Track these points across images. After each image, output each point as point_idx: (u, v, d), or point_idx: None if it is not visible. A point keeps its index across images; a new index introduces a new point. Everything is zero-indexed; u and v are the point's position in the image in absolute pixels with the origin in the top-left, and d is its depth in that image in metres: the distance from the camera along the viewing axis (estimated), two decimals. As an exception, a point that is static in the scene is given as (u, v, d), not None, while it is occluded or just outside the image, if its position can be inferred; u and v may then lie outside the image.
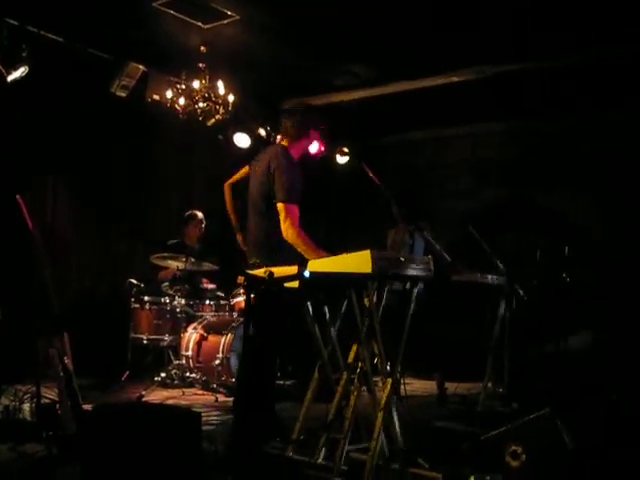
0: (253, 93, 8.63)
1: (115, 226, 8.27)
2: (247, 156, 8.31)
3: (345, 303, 4.28)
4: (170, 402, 6.50)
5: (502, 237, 7.53)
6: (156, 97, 8.15)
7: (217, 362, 6.84)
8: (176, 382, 7.16)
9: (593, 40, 7.01)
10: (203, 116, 7.90)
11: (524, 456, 3.99)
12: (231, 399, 6.24)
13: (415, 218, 7.01)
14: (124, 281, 7.53)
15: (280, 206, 4.63)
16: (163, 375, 7.09)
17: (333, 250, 4.24)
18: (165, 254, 7.34)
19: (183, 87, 7.84)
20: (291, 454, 4.25)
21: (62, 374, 4.40)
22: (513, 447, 4.03)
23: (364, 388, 4.09)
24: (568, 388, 6.04)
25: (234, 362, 6.84)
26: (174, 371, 7.21)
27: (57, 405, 4.49)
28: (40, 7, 6.74)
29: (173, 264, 7.34)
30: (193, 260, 7.21)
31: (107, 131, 8.05)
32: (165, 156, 8.86)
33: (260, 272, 3.86)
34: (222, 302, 7.84)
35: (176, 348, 7.37)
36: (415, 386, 7.85)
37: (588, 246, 8.10)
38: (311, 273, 3.78)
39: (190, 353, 7.18)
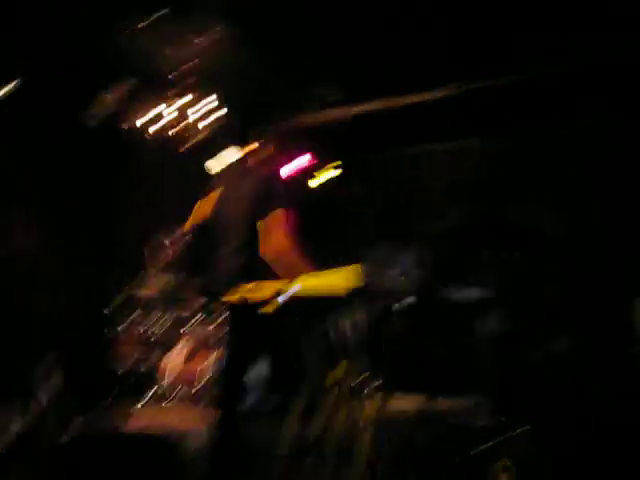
0: (235, 112, 8.61)
1: (86, 252, 8.14)
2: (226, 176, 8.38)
3: (331, 318, 4.27)
4: (153, 424, 6.43)
5: (479, 253, 7.53)
6: (130, 121, 8.10)
7: (201, 384, 6.79)
8: (162, 404, 7.10)
9: (567, 51, 7.06)
10: (184, 133, 7.88)
11: (513, 470, 3.97)
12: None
13: (398, 236, 7.04)
14: (103, 303, 7.47)
15: (270, 219, 4.59)
16: (149, 394, 7.02)
17: (319, 267, 4.23)
18: (143, 280, 7.30)
19: (158, 110, 7.81)
20: (276, 471, 4.21)
21: (50, 392, 4.37)
22: (503, 461, 4.02)
23: (351, 404, 4.08)
24: (554, 400, 6.03)
25: (219, 381, 6.78)
26: (158, 392, 7.15)
27: (45, 424, 4.45)
28: (23, 22, 6.68)
29: (151, 291, 7.30)
30: (173, 283, 7.18)
31: (82, 151, 7.93)
32: (140, 177, 8.76)
33: (234, 298, 3.86)
34: (206, 320, 7.78)
35: (159, 371, 7.30)
36: (402, 402, 7.81)
37: (564, 259, 8.13)
38: (284, 299, 3.79)
39: (174, 374, 7.12)
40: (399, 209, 9.07)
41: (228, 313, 4.42)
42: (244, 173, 4.97)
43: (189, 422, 6.50)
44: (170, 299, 7.68)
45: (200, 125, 7.77)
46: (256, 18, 6.66)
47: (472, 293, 6.24)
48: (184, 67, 7.58)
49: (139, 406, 6.77)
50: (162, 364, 7.24)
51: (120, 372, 7.21)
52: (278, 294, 3.74)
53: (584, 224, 8.47)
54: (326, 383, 4.25)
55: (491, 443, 4.13)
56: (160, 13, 6.46)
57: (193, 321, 7.91)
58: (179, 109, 7.69)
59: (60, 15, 6.47)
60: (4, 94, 5.67)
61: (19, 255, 7.37)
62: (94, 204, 8.25)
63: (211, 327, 7.61)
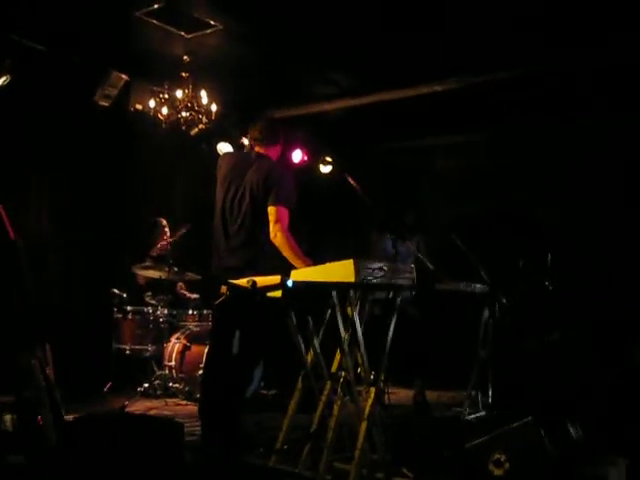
0: (236, 102, 8.61)
1: (95, 234, 8.19)
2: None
3: (329, 312, 4.28)
4: (153, 413, 6.47)
5: (485, 245, 7.53)
6: (139, 106, 8.14)
7: (200, 372, 6.80)
8: (159, 392, 7.13)
9: (576, 45, 7.05)
10: (186, 125, 7.89)
11: (507, 464, 3.99)
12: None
13: (401, 227, 7.05)
14: (106, 291, 7.50)
15: (272, 209, 4.56)
16: (146, 386, 7.06)
17: (316, 259, 4.24)
18: (147, 264, 7.31)
19: (166, 96, 7.82)
20: (274, 464, 4.23)
21: (44, 385, 4.36)
22: (497, 455, 4.04)
23: (347, 397, 4.09)
24: (552, 395, 6.05)
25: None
26: (157, 381, 7.18)
27: (39, 416, 4.45)
28: (22, 16, 6.71)
29: (155, 274, 7.32)
30: (176, 269, 7.19)
31: (90, 140, 8.00)
32: (147, 165, 8.81)
33: (243, 282, 3.85)
34: (205, 312, 7.81)
35: (159, 358, 7.34)
36: (399, 395, 7.85)
37: (570, 254, 8.13)
38: (294, 282, 3.78)
39: (173, 363, 7.15)
40: (400, 202, 9.07)
41: (229, 302, 4.41)
42: (247, 162, 4.95)
43: (185, 413, 6.55)
44: (172, 286, 7.73)
45: (210, 111, 7.77)
46: (254, 12, 6.66)
47: (476, 286, 6.25)
48: (185, 58, 7.57)
49: (137, 395, 6.81)
50: (159, 353, 7.30)
51: (125, 355, 7.27)
52: (287, 279, 3.74)
53: (596, 221, 8.49)
54: (324, 374, 4.27)
55: (486, 437, 4.15)
56: (161, 4, 6.45)
57: (199, 306, 7.95)
58: (188, 97, 7.70)
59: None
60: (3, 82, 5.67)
61: (30, 236, 7.43)
62: (108, 187, 8.29)
63: (210, 317, 7.65)
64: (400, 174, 10.38)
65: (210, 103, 7.83)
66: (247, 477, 4.22)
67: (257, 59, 7.77)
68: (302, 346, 4.29)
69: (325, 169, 8.37)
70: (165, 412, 6.60)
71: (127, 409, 6.40)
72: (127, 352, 7.28)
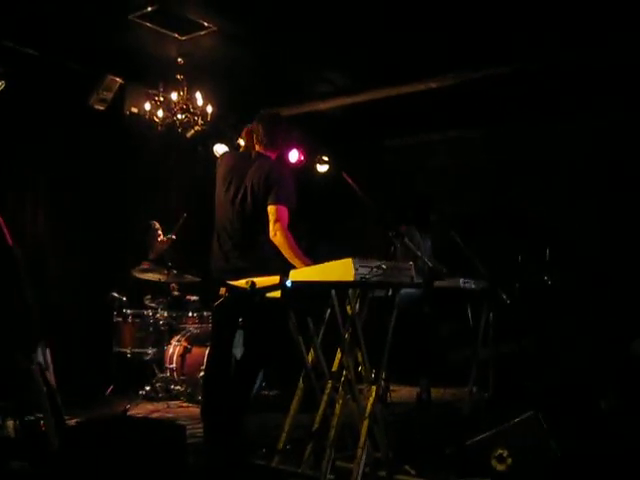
0: (232, 103, 8.62)
1: (94, 238, 8.19)
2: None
3: (328, 311, 4.28)
4: (155, 415, 6.47)
5: (484, 241, 7.53)
6: (134, 110, 8.15)
7: (201, 374, 6.80)
8: (161, 395, 7.14)
9: (575, 41, 7.06)
10: (182, 128, 7.89)
11: (510, 460, 4.00)
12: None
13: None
14: (105, 294, 7.50)
15: (272, 208, 4.51)
16: (148, 388, 7.07)
17: (315, 259, 4.23)
18: (146, 267, 7.31)
19: (161, 99, 7.82)
20: (277, 465, 4.23)
21: (45, 390, 4.36)
22: (499, 451, 4.04)
23: (349, 396, 4.09)
24: (553, 391, 6.05)
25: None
26: (158, 384, 7.19)
27: (41, 421, 4.45)
28: (16, 22, 6.71)
29: (155, 277, 7.32)
30: (175, 272, 7.19)
31: (86, 144, 8.01)
32: (144, 168, 8.82)
33: (242, 283, 3.84)
34: (205, 314, 7.81)
35: (160, 361, 7.34)
36: (400, 393, 7.85)
37: (569, 249, 8.14)
38: (293, 282, 3.78)
39: (174, 366, 7.15)
40: (399, 199, 9.07)
41: (228, 303, 4.40)
42: (247, 162, 4.93)
43: (187, 415, 6.56)
44: (171, 287, 7.74)
45: (205, 112, 7.77)
46: (247, 13, 6.66)
47: (475, 282, 6.26)
48: (180, 60, 7.57)
49: (138, 398, 6.82)
50: (160, 355, 7.30)
51: (126, 358, 7.27)
52: (286, 279, 3.73)
53: (594, 217, 8.49)
54: (326, 373, 4.27)
55: (487, 433, 4.16)
56: (154, 7, 6.45)
57: (199, 308, 7.95)
58: (183, 99, 7.70)
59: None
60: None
61: (29, 240, 7.44)
62: (104, 190, 8.29)
63: (209, 319, 7.65)
64: (397, 171, 10.39)
65: (205, 105, 7.82)
66: (250, 478, 4.22)
67: (251, 60, 7.77)
68: (303, 346, 4.29)
69: (322, 168, 8.37)
70: (167, 415, 6.59)
71: (129, 412, 6.39)
72: (128, 355, 7.29)
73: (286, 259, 4.49)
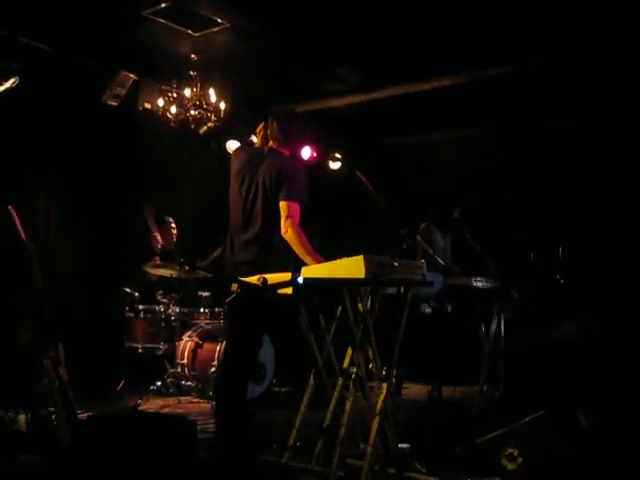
0: (245, 100, 8.62)
1: (106, 233, 8.21)
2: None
3: (340, 309, 4.28)
4: (166, 411, 6.49)
5: (496, 240, 7.52)
6: (148, 105, 8.16)
7: (212, 370, 6.82)
8: (172, 390, 7.15)
9: (575, 41, 7.04)
10: (195, 124, 7.90)
11: (520, 459, 3.99)
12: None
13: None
14: (117, 289, 7.53)
15: (283, 204, 4.49)
16: (159, 384, 7.08)
17: (327, 256, 4.23)
18: (158, 262, 7.33)
19: (174, 95, 7.84)
20: (287, 461, 4.24)
21: (57, 384, 4.39)
22: (510, 450, 4.04)
23: (359, 393, 4.09)
24: (564, 390, 6.04)
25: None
26: (169, 379, 7.20)
27: (52, 416, 4.47)
28: (30, 17, 6.73)
29: (166, 272, 7.34)
30: (187, 268, 7.20)
31: (99, 140, 8.02)
32: (157, 164, 8.83)
33: (254, 279, 3.85)
34: (217, 309, 7.82)
35: (171, 356, 7.36)
36: (411, 390, 7.85)
37: (582, 248, 8.11)
38: (305, 279, 3.78)
39: (185, 361, 7.17)
40: (410, 197, 9.06)
41: (240, 299, 4.39)
42: (260, 157, 4.93)
43: (198, 411, 6.57)
44: (182, 284, 7.75)
45: (218, 109, 7.78)
46: (261, 9, 6.66)
47: (486, 281, 6.25)
48: (193, 57, 7.59)
49: (149, 393, 6.83)
50: (172, 351, 7.32)
51: (137, 353, 7.30)
52: (297, 276, 3.73)
53: (607, 215, 8.47)
54: (336, 370, 4.28)
55: (498, 432, 4.16)
56: (168, 3, 6.47)
57: (210, 304, 7.96)
58: (196, 95, 7.71)
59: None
60: (4, 90, 5.68)
61: (41, 235, 7.47)
62: (117, 186, 8.31)
63: (220, 316, 7.66)
64: (410, 169, 10.38)
65: (219, 101, 7.83)
66: (260, 474, 4.23)
67: (264, 56, 7.78)
68: (314, 343, 4.29)
69: (334, 165, 8.37)
70: (178, 410, 6.61)
71: (140, 407, 6.42)
72: (139, 350, 7.30)
73: (297, 256, 4.49)
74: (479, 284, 6.29)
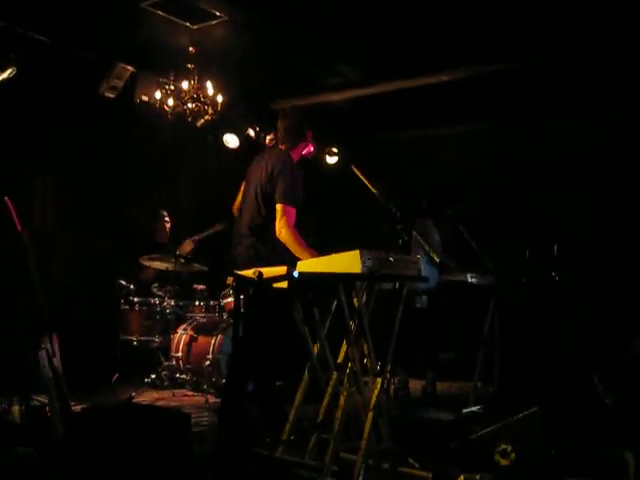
0: (242, 93, 8.61)
1: (102, 225, 8.18)
2: (235, 156, 8.38)
3: (335, 303, 4.28)
4: (160, 403, 6.49)
5: (491, 236, 7.52)
6: (145, 98, 8.14)
7: (207, 363, 6.83)
8: (166, 383, 7.15)
9: (576, 41, 7.04)
10: (192, 117, 7.89)
11: (514, 455, 4.00)
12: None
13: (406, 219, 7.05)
14: (112, 282, 7.52)
15: (278, 206, 4.67)
16: (153, 376, 7.08)
17: (324, 251, 4.23)
18: (154, 255, 7.33)
19: (172, 88, 7.82)
20: (281, 455, 4.24)
21: (51, 376, 4.38)
22: (503, 446, 4.04)
23: (354, 388, 4.09)
24: (558, 386, 6.05)
25: (224, 363, 6.82)
26: (164, 372, 7.20)
27: (46, 407, 4.47)
28: (27, 8, 6.71)
29: (162, 265, 7.33)
30: (182, 261, 7.20)
31: (95, 132, 7.99)
32: (153, 156, 8.81)
33: (249, 273, 3.85)
34: (212, 303, 7.83)
35: (166, 349, 7.36)
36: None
37: (576, 245, 8.12)
38: (300, 273, 3.78)
39: (180, 354, 7.17)
40: (407, 192, 9.05)
41: (237, 292, 4.39)
42: (263, 154, 4.99)
43: (192, 404, 6.57)
44: (178, 277, 7.75)
45: (216, 102, 7.77)
46: (259, 2, 6.65)
47: (482, 277, 6.25)
48: (191, 49, 7.57)
49: (144, 386, 6.84)
50: (166, 343, 7.32)
51: (132, 346, 7.30)
52: (293, 270, 3.74)
53: (603, 213, 8.47)
54: (331, 364, 4.28)
55: (491, 428, 4.16)
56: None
57: (205, 297, 7.96)
58: (194, 88, 7.70)
59: None
60: (1, 80, 5.67)
61: (36, 225, 7.45)
62: (113, 178, 8.28)
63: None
64: (407, 164, 10.36)
65: (216, 94, 7.82)
66: (254, 467, 4.23)
67: (263, 50, 7.76)
68: (308, 337, 4.29)
69: (331, 160, 8.37)
70: (172, 403, 6.61)
71: (134, 400, 6.41)
72: (134, 343, 7.31)
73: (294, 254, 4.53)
74: (474, 280, 6.29)
